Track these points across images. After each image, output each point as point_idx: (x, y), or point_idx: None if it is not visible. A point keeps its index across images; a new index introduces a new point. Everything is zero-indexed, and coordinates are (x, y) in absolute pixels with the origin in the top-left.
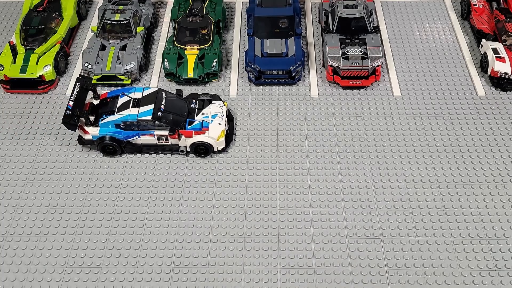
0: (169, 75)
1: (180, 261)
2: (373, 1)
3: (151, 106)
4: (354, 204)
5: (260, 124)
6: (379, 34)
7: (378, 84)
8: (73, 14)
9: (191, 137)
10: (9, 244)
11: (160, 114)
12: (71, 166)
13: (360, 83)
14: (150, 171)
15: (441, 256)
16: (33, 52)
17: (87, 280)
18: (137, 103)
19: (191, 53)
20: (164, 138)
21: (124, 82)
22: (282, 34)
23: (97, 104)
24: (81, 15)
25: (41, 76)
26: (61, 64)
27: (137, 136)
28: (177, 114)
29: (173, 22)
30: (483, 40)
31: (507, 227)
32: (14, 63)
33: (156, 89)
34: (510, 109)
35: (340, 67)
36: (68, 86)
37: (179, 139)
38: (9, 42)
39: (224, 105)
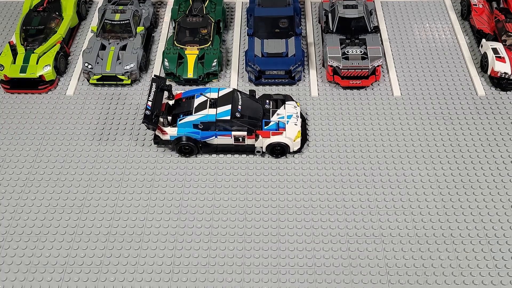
0: (169, 75)
1: (180, 261)
2: (373, 1)
3: (229, 107)
4: (354, 204)
5: None
6: (379, 34)
7: (378, 84)
8: (73, 14)
9: (269, 137)
10: (9, 244)
11: (238, 114)
12: (71, 166)
13: (360, 83)
14: (150, 171)
15: (441, 256)
16: (33, 52)
17: (87, 280)
18: (214, 103)
19: (191, 53)
20: (241, 138)
21: (124, 82)
22: (282, 34)
23: (172, 104)
24: (81, 15)
25: (41, 76)
26: (61, 64)
27: (214, 137)
28: (254, 115)
29: (173, 22)
30: (483, 40)
31: (507, 227)
32: (14, 63)
33: (232, 89)
34: (510, 109)
35: (340, 67)
36: (68, 86)
37: (256, 140)
38: (9, 42)
39: (297, 106)
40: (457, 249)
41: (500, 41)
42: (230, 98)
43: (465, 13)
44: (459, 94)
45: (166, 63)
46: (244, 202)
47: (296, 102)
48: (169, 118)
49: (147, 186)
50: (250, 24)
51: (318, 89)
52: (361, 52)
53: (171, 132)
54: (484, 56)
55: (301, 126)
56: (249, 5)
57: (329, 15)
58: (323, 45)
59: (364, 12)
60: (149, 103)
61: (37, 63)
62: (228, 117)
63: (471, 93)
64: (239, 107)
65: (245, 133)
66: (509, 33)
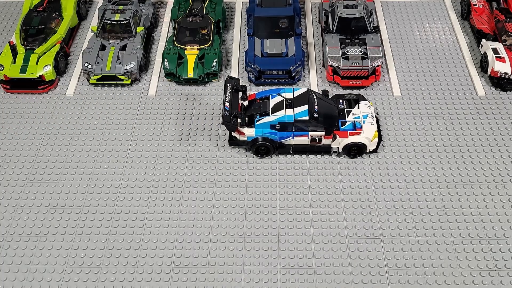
0: (169, 75)
1: (180, 261)
2: (373, 1)
3: (306, 107)
4: (354, 204)
5: None
6: (379, 34)
7: (378, 84)
8: (73, 14)
9: (347, 137)
10: (9, 244)
11: (316, 114)
12: (71, 166)
13: (360, 83)
14: (150, 171)
15: (441, 256)
16: (33, 52)
17: (87, 280)
18: (291, 103)
19: (191, 53)
20: (317, 139)
21: (124, 82)
22: (282, 34)
23: (247, 105)
24: (81, 15)
25: (41, 76)
26: (61, 64)
27: (291, 137)
28: (330, 115)
29: (173, 22)
30: (483, 40)
31: (507, 227)
32: (14, 63)
33: (306, 89)
34: (510, 109)
35: (340, 67)
36: (68, 86)
37: (333, 140)
38: (9, 42)
39: (371, 105)
40: (457, 249)
41: (500, 41)
42: (306, 98)
43: (465, 13)
44: (459, 94)
45: (166, 63)
46: (244, 202)
47: (370, 102)
48: (246, 119)
49: (147, 186)
50: (250, 24)
51: (318, 89)
52: (361, 52)
53: (248, 133)
54: (484, 56)
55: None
56: (249, 5)
57: (329, 15)
58: (323, 45)
59: (364, 12)
60: (227, 104)
61: (37, 63)
62: (306, 118)
63: (471, 93)
64: (316, 107)
65: (322, 133)
66: (509, 33)
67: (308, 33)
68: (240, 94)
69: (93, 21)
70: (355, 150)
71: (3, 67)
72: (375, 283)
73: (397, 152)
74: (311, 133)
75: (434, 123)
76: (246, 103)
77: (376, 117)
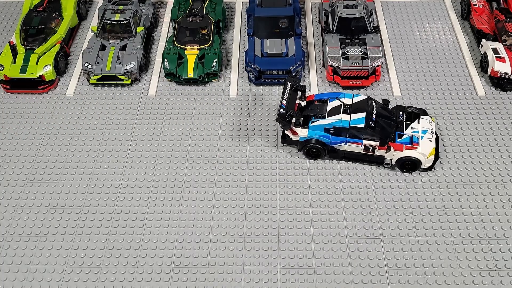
0: (169, 75)
1: (180, 261)
2: (373, 1)
3: (363, 114)
4: (354, 204)
5: (260, 124)
6: (379, 34)
7: (378, 84)
8: (73, 14)
9: (401, 151)
10: (9, 244)
11: (372, 123)
12: (71, 166)
13: (360, 83)
14: (150, 171)
15: (441, 256)
16: (33, 52)
17: (87, 280)
18: (349, 109)
19: (191, 53)
20: (371, 148)
21: (124, 82)
22: (282, 34)
23: (304, 105)
24: (81, 15)
25: (41, 76)
26: (61, 64)
27: (344, 143)
28: (388, 126)
29: (173, 22)
30: (483, 40)
31: (507, 227)
32: (14, 63)
33: (366, 97)
34: (510, 109)
35: (340, 67)
36: (68, 86)
37: (387, 152)
38: (9, 42)
39: (432, 121)
40: (457, 249)
41: (500, 41)
42: (364, 105)
43: (465, 13)
44: (459, 94)
45: (166, 63)
46: (244, 202)
47: (431, 117)
48: (301, 119)
49: (147, 186)
50: (250, 24)
51: (318, 89)
52: (361, 52)
53: (301, 133)
54: (484, 56)
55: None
56: (249, 5)
57: (329, 15)
58: (323, 45)
59: (364, 12)
60: (284, 102)
61: (37, 63)
62: (362, 125)
63: (471, 93)
64: (374, 116)
65: (376, 143)
66: (509, 33)
67: (308, 33)
68: (299, 94)
69: (93, 21)
70: (409, 165)
71: (3, 67)
72: (375, 283)
73: None
74: (365, 142)
75: (434, 123)
76: (303, 103)
77: (436, 134)
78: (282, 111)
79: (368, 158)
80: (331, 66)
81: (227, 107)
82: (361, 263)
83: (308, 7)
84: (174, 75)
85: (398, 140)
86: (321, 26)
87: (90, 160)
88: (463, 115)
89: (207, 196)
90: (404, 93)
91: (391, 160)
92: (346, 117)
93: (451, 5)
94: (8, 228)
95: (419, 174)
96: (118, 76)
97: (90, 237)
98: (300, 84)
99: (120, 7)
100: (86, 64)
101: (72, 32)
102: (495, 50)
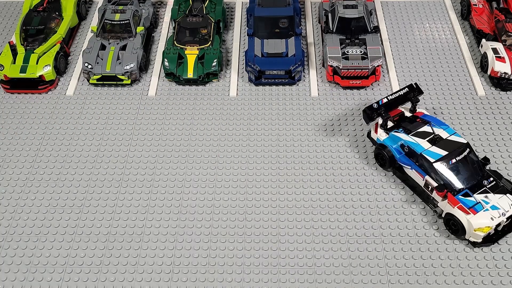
0: (169, 75)
1: (180, 261)
2: (373, 1)
3: (444, 152)
4: (354, 204)
5: (260, 124)
6: (379, 34)
7: (378, 84)
8: (73, 14)
9: (453, 207)
10: (9, 244)
11: (445, 164)
12: (71, 166)
13: (360, 83)
14: (150, 171)
15: (441, 256)
16: (33, 52)
17: (87, 280)
18: (436, 140)
19: (191, 53)
20: (430, 187)
21: (124, 82)
22: (282, 34)
23: (406, 116)
24: (81, 15)
25: (41, 76)
26: (61, 64)
27: (410, 167)
28: (458, 177)
29: (173, 22)
30: (483, 40)
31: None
32: (14, 63)
33: (466, 142)
34: (510, 109)
35: (340, 67)
36: (68, 86)
37: (442, 200)
38: (9, 42)
39: None
40: (457, 249)
41: (500, 41)
42: (453, 146)
43: (465, 13)
44: (459, 94)
45: (166, 63)
46: (244, 202)
47: None
48: (391, 124)
49: (147, 186)
50: (250, 24)
51: (318, 89)
52: (361, 52)
53: (380, 136)
54: (484, 56)
55: (500, 229)
56: (249, 5)
57: (329, 15)
58: (323, 45)
59: (364, 12)
60: (384, 100)
61: (37, 63)
62: (433, 159)
63: (471, 93)
64: (455, 159)
65: (436, 184)
66: (509, 33)
67: (308, 33)
68: (410, 105)
69: (93, 21)
70: (454, 227)
71: (3, 67)
72: (375, 283)
73: None
74: (427, 177)
75: None
76: (408, 114)
77: (507, 219)
78: (375, 105)
79: (425, 196)
80: (331, 66)
81: (227, 107)
82: (361, 263)
83: (308, 7)
84: (174, 75)
85: (461, 197)
86: (321, 26)
87: (90, 160)
88: (463, 115)
89: (207, 196)
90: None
91: (443, 211)
92: (426, 144)
93: (451, 5)
94: (8, 228)
95: None
96: (118, 76)
97: (90, 237)
98: (417, 97)
99: (120, 7)
100: (86, 64)
101: (72, 32)
102: (495, 50)
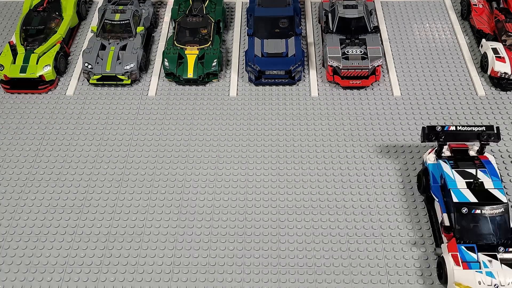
0: (169, 75)
1: (180, 261)
2: (373, 1)
3: (474, 199)
4: (354, 204)
5: (260, 124)
6: (379, 34)
7: (378, 84)
8: (73, 14)
9: (447, 253)
10: (9, 244)
11: (463, 210)
12: (71, 166)
13: (360, 83)
14: (150, 171)
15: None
16: (33, 52)
17: (87, 280)
18: (475, 185)
19: (191, 53)
20: (443, 225)
21: (124, 82)
22: (282, 34)
23: (468, 154)
24: (81, 15)
25: (41, 76)
26: (61, 64)
27: (437, 199)
28: (472, 229)
29: (173, 22)
30: (483, 40)
31: None
32: (14, 63)
33: (505, 202)
34: (510, 109)
35: (340, 67)
36: (68, 86)
37: (446, 241)
38: (9, 42)
39: None
40: None
41: (500, 41)
42: (488, 199)
43: (465, 13)
44: (459, 94)
45: (166, 63)
46: (244, 202)
47: None
48: (448, 154)
49: (147, 186)
50: (250, 24)
51: (318, 89)
52: (361, 52)
53: (429, 159)
54: (484, 56)
55: None
56: (249, 5)
57: (329, 15)
58: (323, 45)
59: (364, 12)
60: (451, 128)
61: (37, 63)
62: (456, 200)
63: (471, 93)
64: (480, 212)
65: (447, 225)
66: (509, 33)
67: (308, 33)
68: (479, 146)
69: (93, 21)
70: (441, 273)
71: (3, 67)
72: (375, 283)
73: (397, 152)
74: (445, 215)
75: (434, 123)
76: (473, 153)
77: None
78: (438, 128)
79: (438, 232)
80: (331, 66)
81: (227, 107)
82: (361, 263)
83: (308, 7)
84: (174, 75)
85: (463, 247)
86: (321, 26)
87: (90, 160)
88: (463, 115)
89: (207, 196)
90: (404, 93)
91: (442, 252)
92: (462, 185)
93: (451, 5)
94: (8, 228)
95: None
96: (118, 76)
97: (90, 237)
98: (488, 141)
99: (120, 7)
100: (86, 64)
101: (72, 32)
102: (495, 50)
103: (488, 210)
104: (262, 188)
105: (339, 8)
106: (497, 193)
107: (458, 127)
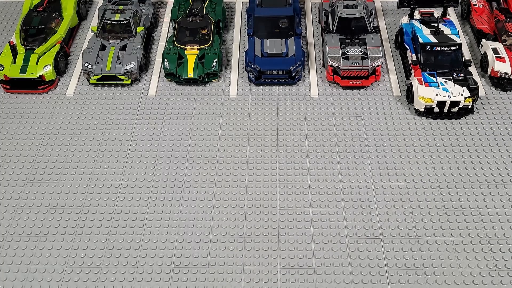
0: (169, 75)
1: (180, 261)
2: (373, 1)
3: (436, 41)
4: (354, 204)
5: (260, 124)
6: (379, 34)
7: (378, 84)
8: (73, 14)
9: (414, 77)
10: (9, 244)
11: (428, 47)
12: (71, 166)
13: (360, 83)
14: (150, 171)
15: (441, 256)
16: (33, 52)
17: (87, 280)
18: (437, 32)
19: (191, 53)
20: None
21: (124, 82)
22: (282, 34)
23: (433, 12)
24: (81, 15)
25: (41, 76)
26: (61, 64)
27: (409, 48)
28: (433, 60)
29: (173, 22)
30: (483, 40)
31: (507, 227)
32: (14, 63)
33: (458, 42)
34: (510, 109)
35: (340, 67)
36: (68, 86)
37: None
38: (9, 42)
39: None
40: (457, 249)
41: (500, 41)
42: (447, 40)
43: (465, 13)
44: None
45: (166, 63)
46: (244, 202)
47: None
48: (418, 16)
49: (147, 186)
50: (250, 24)
51: (318, 89)
52: (361, 52)
53: (403, 20)
54: (484, 56)
55: (445, 111)
56: (249, 5)
57: (329, 15)
58: (323, 45)
59: (364, 12)
60: None
61: (37, 63)
62: (422, 41)
63: None
64: (440, 48)
65: (415, 59)
66: (509, 33)
67: (308, 33)
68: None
69: (93, 21)
70: (408, 92)
71: (3, 67)
72: (375, 283)
73: (397, 152)
74: (413, 55)
75: (434, 123)
76: (437, 15)
77: (455, 107)
78: None
79: (408, 69)
80: (331, 66)
81: (227, 107)
82: (361, 263)
83: (308, 7)
84: (174, 75)
85: (426, 74)
86: (321, 26)
87: (90, 160)
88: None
89: (207, 196)
90: (404, 93)
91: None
92: (427, 32)
93: None
94: (8, 228)
95: (419, 174)
96: (118, 76)
97: (90, 237)
98: (450, 3)
99: (120, 7)
100: (86, 64)
101: (72, 32)
102: (495, 50)
103: (446, 48)
104: (262, 188)
105: (339, 8)
106: (453, 36)
107: None
